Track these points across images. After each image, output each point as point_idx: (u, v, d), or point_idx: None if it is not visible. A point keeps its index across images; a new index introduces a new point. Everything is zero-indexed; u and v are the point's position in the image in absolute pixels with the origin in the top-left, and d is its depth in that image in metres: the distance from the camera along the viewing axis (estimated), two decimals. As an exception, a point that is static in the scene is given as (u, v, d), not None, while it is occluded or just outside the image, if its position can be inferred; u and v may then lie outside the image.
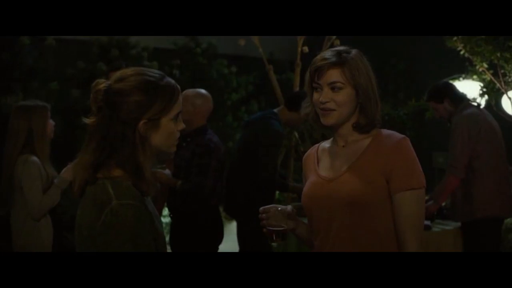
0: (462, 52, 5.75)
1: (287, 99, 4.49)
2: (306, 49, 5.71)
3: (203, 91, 4.00)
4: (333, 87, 2.01)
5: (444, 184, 4.22)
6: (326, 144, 2.21)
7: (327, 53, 2.05)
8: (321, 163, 2.17)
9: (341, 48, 2.08)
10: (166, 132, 1.76)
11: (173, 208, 4.01)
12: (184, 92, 3.92)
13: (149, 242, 1.65)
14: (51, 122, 3.59)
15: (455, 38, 5.65)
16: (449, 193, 4.25)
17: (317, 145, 2.26)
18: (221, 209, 4.27)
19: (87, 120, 1.74)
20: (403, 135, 2.04)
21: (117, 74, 1.77)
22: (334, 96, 2.02)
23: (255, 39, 5.72)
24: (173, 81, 1.80)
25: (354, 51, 2.06)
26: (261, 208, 2.15)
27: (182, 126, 1.82)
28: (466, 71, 6.06)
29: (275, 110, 4.38)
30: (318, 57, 2.06)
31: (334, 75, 2.01)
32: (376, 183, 1.99)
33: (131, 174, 1.70)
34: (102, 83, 1.74)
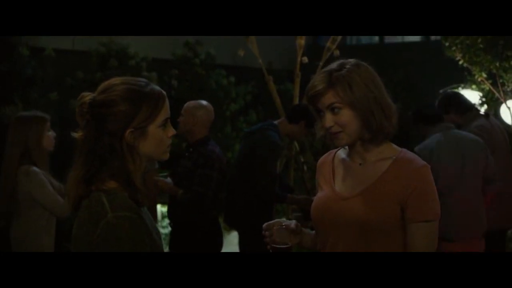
0: (461, 62, 5.78)
1: (288, 112, 4.49)
2: (305, 59, 5.71)
3: (204, 102, 4.02)
4: (332, 109, 1.97)
5: None
6: (342, 154, 2.14)
7: (318, 78, 1.99)
8: (337, 177, 2.11)
9: (334, 65, 2.01)
10: (155, 140, 1.74)
11: (173, 217, 4.00)
12: (186, 103, 3.96)
13: None
14: (51, 134, 3.55)
15: (453, 48, 5.68)
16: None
17: (332, 151, 2.19)
18: (221, 219, 4.27)
19: (75, 135, 1.73)
20: (423, 163, 1.99)
21: (101, 85, 1.75)
22: (336, 118, 1.97)
23: (254, 49, 5.72)
24: (158, 88, 1.78)
25: (349, 65, 1.99)
26: (264, 225, 2.09)
27: (172, 132, 1.80)
28: (465, 80, 6.09)
29: (276, 122, 4.38)
30: (310, 84, 2.00)
31: (328, 98, 1.97)
32: (389, 211, 1.94)
33: (124, 185, 1.69)
34: (87, 96, 1.72)
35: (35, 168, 3.41)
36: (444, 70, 7.00)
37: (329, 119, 1.98)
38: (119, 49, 7.24)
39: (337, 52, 5.60)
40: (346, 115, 1.96)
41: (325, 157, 2.22)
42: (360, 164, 2.06)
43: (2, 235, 3.72)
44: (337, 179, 2.11)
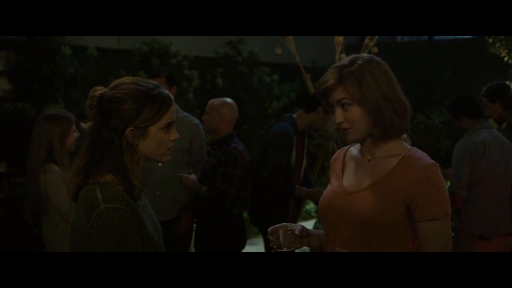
0: (505, 59, 5.63)
1: (305, 102, 4.39)
2: (343, 56, 5.65)
3: (228, 99, 4.01)
4: (342, 105, 1.95)
5: None
6: (354, 150, 2.12)
7: (328, 74, 1.97)
8: (346, 172, 2.10)
9: (345, 61, 1.98)
10: (155, 141, 1.79)
11: (197, 213, 4.02)
12: (210, 101, 3.97)
13: (135, 245, 1.69)
14: (75, 134, 3.57)
15: (498, 44, 5.54)
16: None
17: (345, 148, 2.17)
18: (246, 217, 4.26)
19: (84, 125, 1.79)
20: (432, 161, 1.93)
21: (114, 82, 1.82)
22: (345, 114, 1.95)
23: (292, 47, 5.70)
24: (166, 92, 1.82)
25: (360, 60, 1.95)
26: (269, 229, 2.09)
27: (175, 136, 1.84)
28: (510, 77, 5.92)
29: (294, 115, 4.33)
30: (321, 79, 1.99)
31: (338, 94, 1.94)
32: (393, 208, 1.91)
33: (120, 179, 1.75)
34: (98, 90, 1.78)
35: (53, 167, 3.44)
36: (490, 67, 6.81)
37: (339, 114, 1.96)
38: (161, 48, 7.31)
39: (375, 50, 5.52)
40: (356, 112, 1.94)
41: (338, 154, 2.21)
42: (369, 160, 2.03)
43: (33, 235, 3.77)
44: (346, 174, 2.09)
